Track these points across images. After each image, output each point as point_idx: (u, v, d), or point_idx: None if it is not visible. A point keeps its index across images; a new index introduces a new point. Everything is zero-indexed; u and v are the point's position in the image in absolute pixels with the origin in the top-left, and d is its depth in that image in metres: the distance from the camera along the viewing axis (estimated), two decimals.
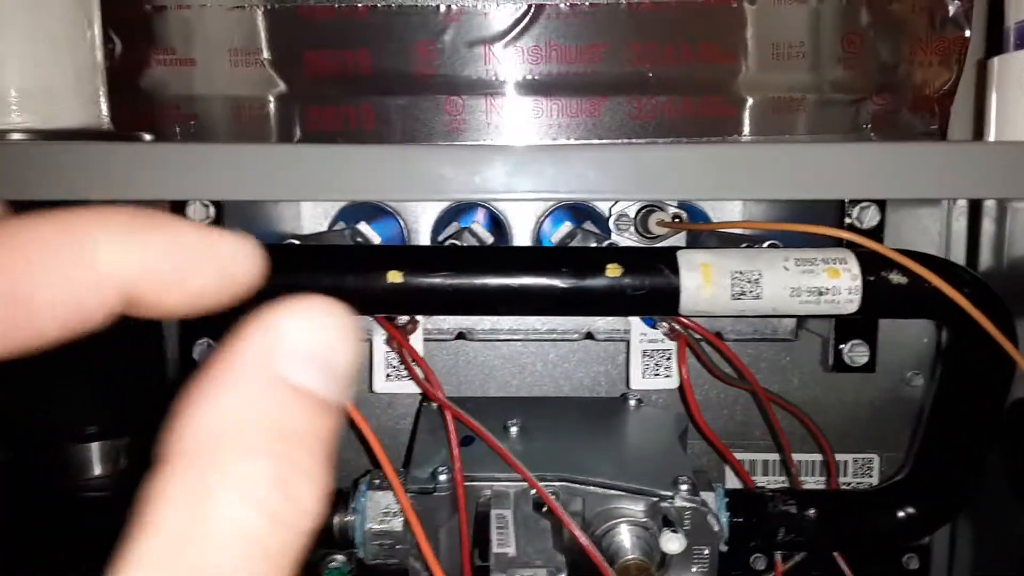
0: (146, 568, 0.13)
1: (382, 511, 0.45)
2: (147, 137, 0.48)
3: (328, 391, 0.14)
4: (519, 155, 0.33)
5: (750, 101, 0.63)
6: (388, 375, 0.52)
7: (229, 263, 0.16)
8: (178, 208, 0.39)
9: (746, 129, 0.64)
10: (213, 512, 0.13)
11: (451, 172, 0.32)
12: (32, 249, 0.15)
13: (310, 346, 0.14)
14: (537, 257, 0.40)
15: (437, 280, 0.38)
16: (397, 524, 0.44)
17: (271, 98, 0.61)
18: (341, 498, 0.46)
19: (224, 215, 0.41)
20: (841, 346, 0.42)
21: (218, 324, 0.45)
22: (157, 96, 0.60)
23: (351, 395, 0.15)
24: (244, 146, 0.37)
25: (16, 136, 0.43)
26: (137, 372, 0.51)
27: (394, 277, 0.37)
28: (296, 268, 0.39)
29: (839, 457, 0.58)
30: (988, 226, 0.58)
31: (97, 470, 0.51)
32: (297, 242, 0.43)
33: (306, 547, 0.14)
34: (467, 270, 0.38)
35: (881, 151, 0.33)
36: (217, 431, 0.13)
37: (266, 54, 0.61)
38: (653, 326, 0.50)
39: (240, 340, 0.14)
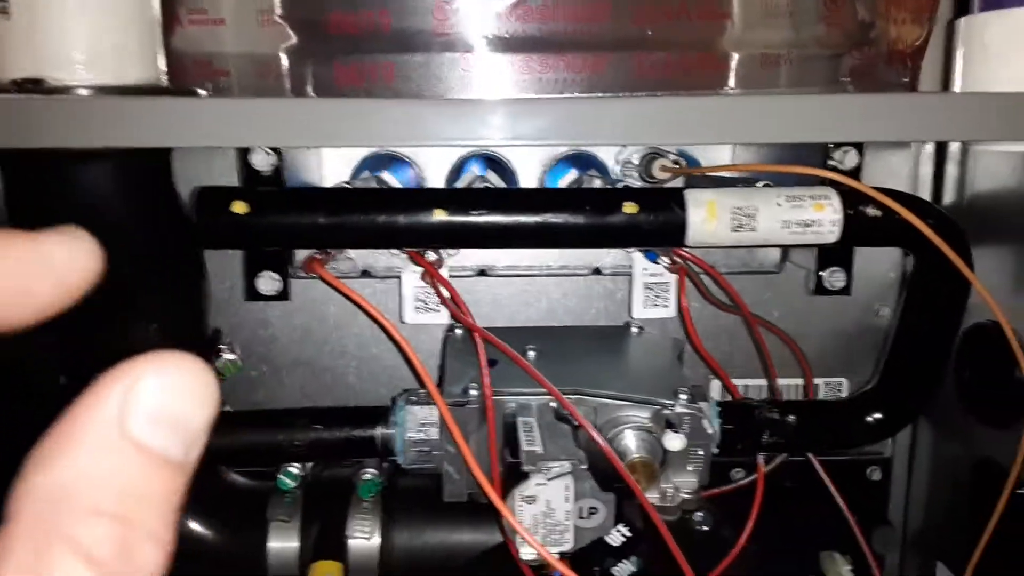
0: None
1: (420, 422, 0.51)
2: (202, 92, 0.52)
3: (178, 452, 0.14)
4: (516, 107, 0.38)
5: (737, 57, 0.68)
6: (417, 307, 0.57)
7: (66, 268, 0.16)
8: (243, 153, 0.44)
9: (732, 83, 0.70)
10: (54, 574, 0.13)
11: (453, 125, 0.37)
12: None
13: (163, 406, 0.14)
14: (564, 197, 0.45)
15: (477, 217, 0.43)
16: (433, 433, 0.51)
17: (295, 56, 0.65)
18: (380, 414, 0.52)
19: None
20: (822, 273, 0.48)
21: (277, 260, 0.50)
22: (191, 54, 0.64)
23: (199, 454, 0.15)
24: (292, 100, 0.42)
25: (83, 92, 0.47)
26: (175, 312, 0.56)
27: (439, 215, 0.43)
28: (354, 208, 0.44)
29: (815, 381, 0.65)
30: (952, 170, 0.65)
31: None
32: (348, 186, 0.48)
33: None
34: (503, 208, 0.44)
35: (859, 101, 0.39)
36: (63, 490, 0.13)
37: (285, 12, 0.65)
38: (655, 261, 0.56)
39: (93, 397, 0.14)
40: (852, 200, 0.42)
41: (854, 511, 0.63)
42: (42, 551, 0.13)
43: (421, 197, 0.44)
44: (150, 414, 0.14)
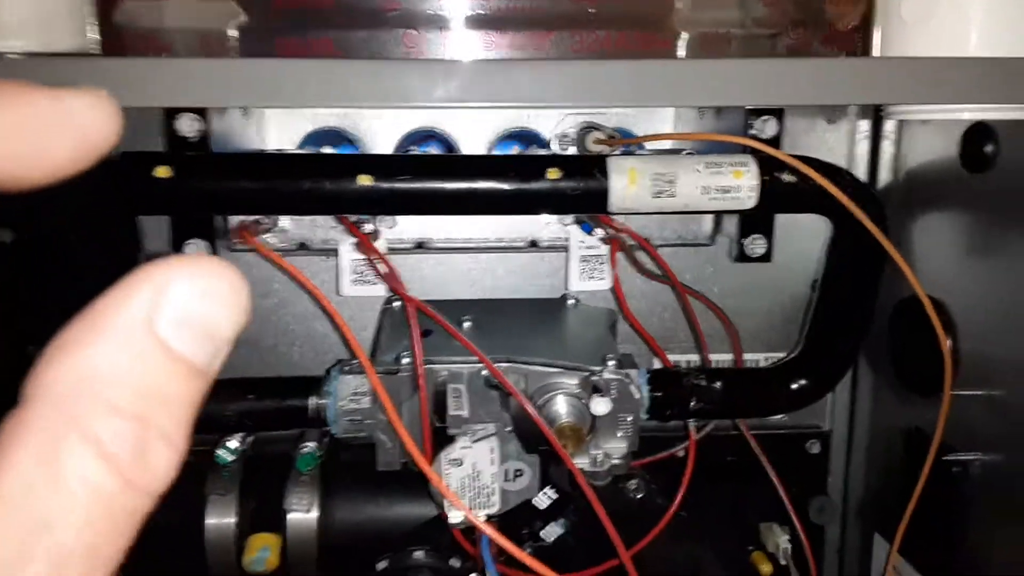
0: None
1: (352, 392, 0.51)
2: None
3: (202, 359, 0.14)
4: (474, 68, 0.39)
5: (683, 36, 0.69)
6: (354, 280, 0.58)
7: (87, 127, 0.15)
8: (168, 119, 0.44)
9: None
10: (66, 462, 0.13)
11: (417, 82, 0.38)
12: None
13: (193, 310, 0.14)
14: (489, 163, 0.46)
15: (402, 183, 0.44)
16: (365, 402, 0.51)
17: (241, 31, 0.65)
18: (315, 384, 0.52)
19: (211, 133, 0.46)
20: (743, 240, 0.49)
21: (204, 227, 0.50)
22: (131, 28, 0.64)
23: (222, 363, 0.15)
24: (231, 60, 0.42)
25: (14, 58, 0.47)
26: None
27: (364, 180, 0.43)
28: (279, 173, 0.44)
29: (754, 356, 0.66)
30: (887, 147, 0.66)
31: None
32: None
33: (151, 510, 0.14)
34: (428, 174, 0.44)
35: (778, 65, 0.40)
36: (84, 381, 0.13)
37: None
38: (590, 232, 0.56)
39: (122, 292, 0.14)
40: (770, 167, 0.43)
41: (794, 484, 0.64)
42: (58, 439, 0.13)
43: (346, 162, 0.45)
44: (179, 317, 0.14)
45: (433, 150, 0.63)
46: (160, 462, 0.13)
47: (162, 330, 0.14)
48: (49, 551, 0.13)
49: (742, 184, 0.43)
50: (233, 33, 0.64)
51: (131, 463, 0.13)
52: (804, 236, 0.62)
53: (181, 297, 0.14)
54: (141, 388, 0.13)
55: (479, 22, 0.66)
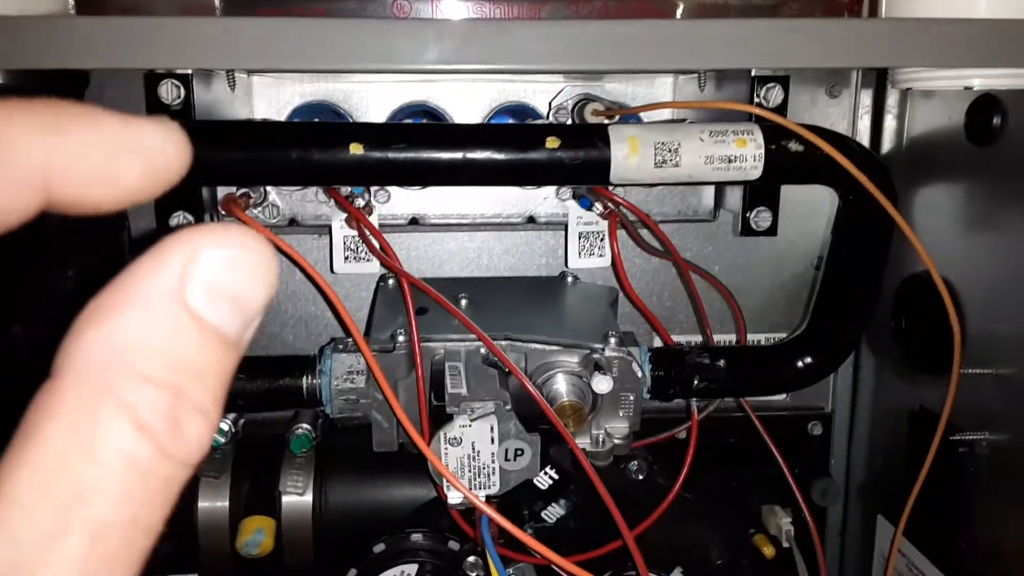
0: (26, 480, 0.13)
1: (347, 371, 0.50)
2: None
3: (234, 329, 0.14)
4: (468, 28, 0.37)
5: (681, 6, 0.68)
6: (347, 257, 0.56)
7: (156, 154, 0.15)
8: (150, 85, 0.42)
9: None
10: (101, 433, 0.13)
11: (406, 43, 0.36)
12: None
13: (224, 280, 0.14)
14: (485, 132, 0.45)
15: (395, 153, 0.42)
16: (360, 381, 0.50)
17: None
18: (309, 363, 0.51)
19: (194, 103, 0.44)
20: (748, 213, 0.48)
21: (190, 199, 0.49)
22: None
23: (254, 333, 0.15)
24: (211, 19, 0.40)
25: None
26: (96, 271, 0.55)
27: (356, 149, 0.42)
28: (266, 142, 0.42)
29: (756, 336, 0.65)
30: (890, 122, 0.65)
31: None
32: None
33: (185, 480, 0.14)
34: (422, 143, 0.42)
35: (783, 25, 0.38)
36: (116, 352, 0.13)
37: None
38: (589, 208, 0.55)
39: (153, 261, 0.14)
40: (775, 135, 0.42)
41: (796, 466, 0.63)
42: (92, 410, 0.13)
43: (338, 131, 0.43)
44: (210, 286, 0.14)
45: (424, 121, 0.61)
46: (194, 433, 0.13)
47: (193, 300, 0.14)
48: (87, 523, 0.13)
49: (747, 153, 0.42)
50: (217, 2, 0.63)
51: (166, 433, 0.13)
52: (808, 213, 0.61)
53: (211, 266, 0.14)
54: (173, 359, 0.13)
55: None
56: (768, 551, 0.62)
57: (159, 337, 0.13)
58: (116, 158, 0.15)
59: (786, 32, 0.37)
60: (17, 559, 0.12)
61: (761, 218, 0.47)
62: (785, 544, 0.62)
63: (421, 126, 0.51)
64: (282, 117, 0.59)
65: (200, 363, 0.14)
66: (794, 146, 0.42)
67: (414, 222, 0.57)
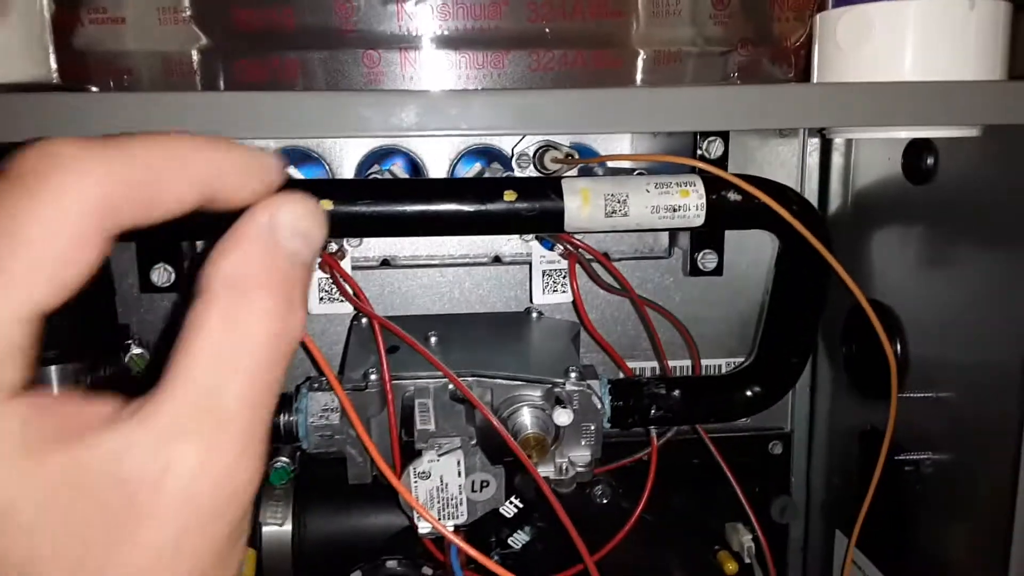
0: (201, 359, 0.19)
1: (322, 408, 0.52)
2: (93, 89, 0.53)
3: (307, 256, 0.22)
4: (429, 98, 0.40)
5: (641, 54, 0.71)
6: (321, 298, 0.59)
7: (268, 172, 0.23)
8: None
9: (638, 79, 0.73)
10: (244, 321, 0.20)
11: (372, 113, 0.39)
12: (159, 158, 0.21)
13: (297, 224, 0.21)
14: (446, 186, 0.47)
15: (362, 207, 0.45)
16: (335, 418, 0.52)
17: (201, 54, 0.66)
18: (285, 401, 0.54)
19: None
20: (695, 254, 0.51)
21: (170, 252, 0.51)
22: (91, 53, 0.64)
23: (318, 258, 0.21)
24: (186, 95, 0.43)
25: None
26: (89, 302, 0.57)
27: (325, 205, 0.44)
28: None
29: (716, 361, 0.68)
30: (837, 159, 0.69)
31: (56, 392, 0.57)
32: None
33: (295, 349, 0.21)
34: (387, 198, 0.45)
35: (725, 93, 0.42)
36: (241, 272, 0.20)
37: (191, 12, 0.66)
38: (551, 248, 0.58)
39: (251, 217, 0.21)
40: (715, 186, 0.45)
41: (759, 484, 0.66)
42: (234, 307, 0.20)
43: (307, 187, 0.46)
44: (291, 228, 0.21)
45: (399, 165, 0.64)
46: (299, 319, 0.21)
47: (281, 238, 0.21)
48: (246, 369, 0.20)
49: (689, 203, 0.45)
50: (195, 56, 0.65)
51: (284, 318, 0.20)
52: (754, 249, 0.64)
53: (288, 216, 0.21)
54: (277, 273, 0.21)
55: (437, 42, 0.67)
56: (731, 567, 0.65)
57: (267, 261, 0.21)
58: (249, 174, 0.22)
59: (727, 100, 0.41)
60: (201, 395, 0.19)
61: (707, 259, 0.51)
62: (747, 560, 0.65)
63: (387, 182, 0.54)
64: None
65: (294, 276, 0.21)
66: (733, 196, 0.45)
67: (386, 263, 0.60)
